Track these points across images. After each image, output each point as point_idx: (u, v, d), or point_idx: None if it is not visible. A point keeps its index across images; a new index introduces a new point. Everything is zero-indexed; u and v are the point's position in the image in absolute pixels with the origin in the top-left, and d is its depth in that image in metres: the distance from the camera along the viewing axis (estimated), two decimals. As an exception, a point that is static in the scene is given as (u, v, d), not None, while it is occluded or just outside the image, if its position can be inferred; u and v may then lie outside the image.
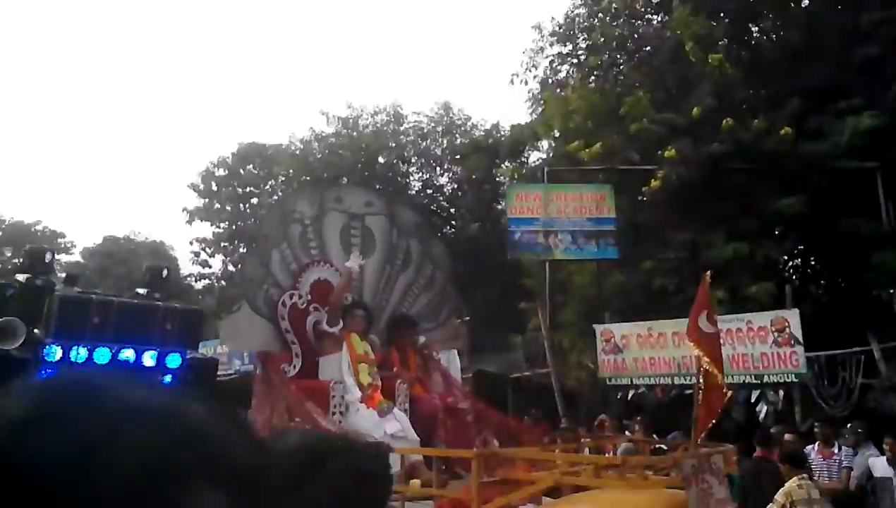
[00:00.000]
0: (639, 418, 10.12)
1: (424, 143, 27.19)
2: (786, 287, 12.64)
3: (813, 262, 20.78)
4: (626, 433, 9.16)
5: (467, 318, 14.01)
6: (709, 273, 5.31)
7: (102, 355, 6.10)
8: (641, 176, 16.43)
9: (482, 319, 23.69)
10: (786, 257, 18.28)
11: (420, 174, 27.58)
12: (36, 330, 6.03)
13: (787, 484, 6.62)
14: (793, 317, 11.35)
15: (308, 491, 1.03)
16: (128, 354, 6.21)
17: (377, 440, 5.01)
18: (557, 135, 19.07)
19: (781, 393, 11.13)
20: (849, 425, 8.65)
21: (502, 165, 23.60)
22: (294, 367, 5.91)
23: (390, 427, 5.40)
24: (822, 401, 10.93)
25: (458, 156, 26.10)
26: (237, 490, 0.58)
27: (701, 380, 4.97)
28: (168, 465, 0.55)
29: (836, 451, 8.11)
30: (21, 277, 6.33)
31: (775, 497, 6.48)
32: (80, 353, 6.03)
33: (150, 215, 77.22)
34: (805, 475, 6.81)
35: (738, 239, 15.07)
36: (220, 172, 30.64)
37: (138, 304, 6.63)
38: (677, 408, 12.86)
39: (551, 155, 20.07)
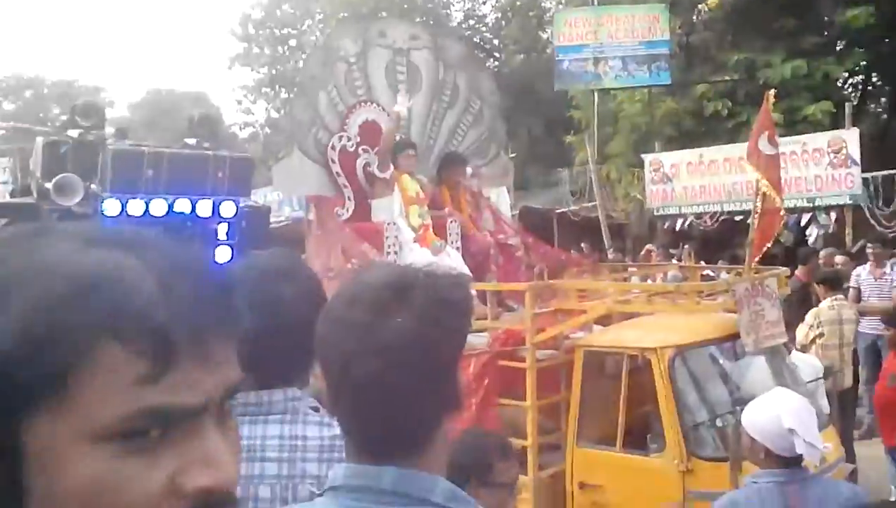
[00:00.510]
0: (686, 246, 10.15)
1: (464, -31, 25.88)
2: (845, 106, 12.10)
3: (875, 78, 19.78)
4: (674, 261, 9.21)
5: (513, 155, 13.87)
6: (772, 92, 5.10)
7: (159, 207, 6.22)
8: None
9: (527, 154, 23.48)
10: (846, 74, 17.41)
11: (461, 3, 26.46)
12: (92, 186, 6.15)
13: (821, 304, 6.72)
14: (851, 137, 10.95)
15: (394, 319, 1.07)
16: (183, 205, 6.30)
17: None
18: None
19: (833, 215, 10.97)
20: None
21: (548, -11, 22.43)
22: (347, 210, 5.98)
23: (445, 263, 5.50)
24: (876, 222, 10.74)
25: (500, -18, 24.85)
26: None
27: (758, 204, 4.89)
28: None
29: (887, 271, 8.08)
30: (73, 133, 6.36)
31: (806, 317, 6.57)
32: (137, 206, 6.15)
33: (191, 66, 76.54)
34: (840, 296, 6.88)
35: (798, 56, 14.34)
36: (257, 14, 29.86)
37: (189, 154, 6.66)
38: (724, 236, 12.85)
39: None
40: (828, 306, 6.69)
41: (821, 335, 6.46)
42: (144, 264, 0.62)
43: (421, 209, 5.86)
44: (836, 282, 7.02)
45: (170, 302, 0.60)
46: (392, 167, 5.89)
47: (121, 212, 5.97)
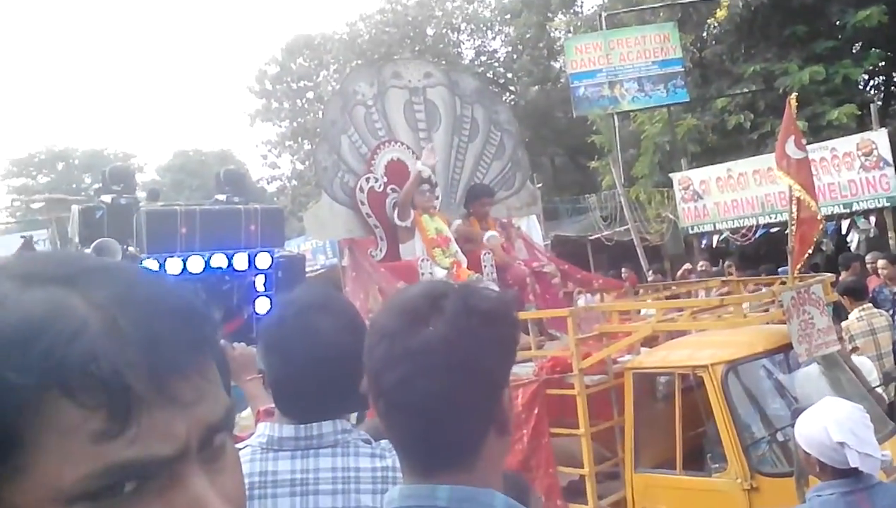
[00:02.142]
0: (727, 262, 9.98)
1: (471, 7, 26.25)
2: (870, 107, 11.94)
3: (897, 77, 19.57)
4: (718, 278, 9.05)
5: (539, 185, 13.87)
6: (794, 96, 5.04)
7: (196, 263, 6.29)
8: (705, 7, 15.52)
9: (553, 183, 23.50)
10: (867, 76, 17.23)
11: (471, 41, 26.82)
12: (130, 248, 6.23)
13: (849, 317, 6.46)
14: (880, 138, 10.77)
15: (425, 327, 1.05)
16: (220, 260, 6.37)
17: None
18: (611, -25, 18.06)
19: (873, 219, 10.75)
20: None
21: (555, 18, 22.63)
22: (381, 251, 5.99)
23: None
24: (918, 222, 10.52)
25: (507, 16, 25.13)
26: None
27: (794, 210, 4.81)
28: None
29: (931, 273, 7.85)
30: (107, 198, 6.49)
31: None
32: (174, 264, 6.22)
33: (215, 125, 78.20)
34: (867, 305, 6.61)
35: (813, 62, 14.24)
36: (273, 70, 30.47)
37: (221, 210, 6.75)
38: (762, 249, 12.66)
39: (606, 0, 19.07)
40: (856, 317, 6.46)
41: (855, 349, 6.24)
42: (89, 301, 0.54)
43: (446, 249, 5.85)
44: (860, 292, 6.75)
45: (122, 343, 0.53)
46: (412, 214, 5.90)
47: (160, 271, 6.03)
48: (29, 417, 0.50)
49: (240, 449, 1.66)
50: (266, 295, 6.57)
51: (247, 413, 3.14)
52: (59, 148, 37.94)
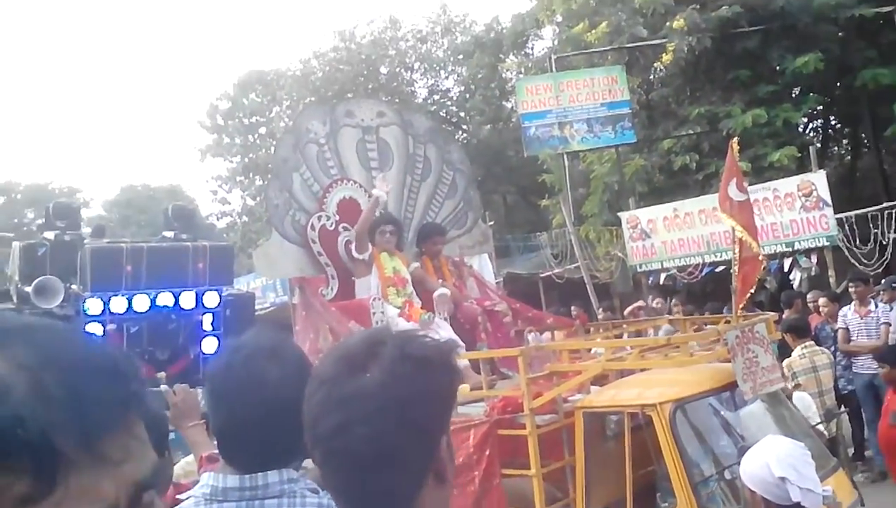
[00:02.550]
0: (674, 301, 10.18)
1: (425, 47, 26.59)
2: (809, 149, 12.40)
3: (834, 121, 20.38)
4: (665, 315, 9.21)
5: (491, 223, 14.00)
6: (736, 140, 5.19)
7: (141, 302, 6.16)
8: (651, 52, 16.00)
9: (505, 221, 23.73)
10: (806, 119, 17.92)
11: (424, 80, 27.13)
12: (73, 286, 6.09)
13: (792, 355, 6.63)
14: (819, 180, 11.17)
15: (362, 374, 1.05)
16: (166, 298, 6.26)
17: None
18: (560, 19, 18.50)
19: (814, 258, 11.08)
20: (883, 281, 8.63)
21: (507, 60, 23.06)
22: (332, 289, 5.94)
23: (436, 336, 5.45)
24: (856, 261, 10.88)
25: (460, 56, 25.53)
26: None
27: (736, 251, 4.92)
28: None
29: (872, 309, 8.10)
30: (50, 234, 6.34)
31: None
32: (119, 303, 6.09)
33: (163, 160, 77.19)
34: (810, 342, 6.79)
35: (755, 105, 14.77)
36: (224, 105, 30.31)
37: (168, 247, 6.64)
38: (709, 287, 12.93)
39: (556, 42, 19.52)
40: (798, 355, 6.62)
41: (798, 386, 6.38)
42: (13, 362, 0.54)
43: (400, 289, 5.84)
44: (802, 330, 6.93)
45: (48, 405, 0.52)
46: (370, 247, 5.89)
47: (103, 311, 5.91)
48: None
49: (183, 500, 1.62)
50: (214, 335, 6.47)
51: (191, 458, 3.05)
52: (1, 181, 36.98)
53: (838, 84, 17.08)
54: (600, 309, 11.06)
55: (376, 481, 1.05)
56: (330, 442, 1.05)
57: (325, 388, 1.07)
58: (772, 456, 2.73)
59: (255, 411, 1.58)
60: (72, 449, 0.52)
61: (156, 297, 6.20)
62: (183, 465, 3.54)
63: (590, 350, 5.71)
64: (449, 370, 1.14)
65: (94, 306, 5.87)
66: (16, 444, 0.50)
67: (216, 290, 6.51)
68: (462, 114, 26.29)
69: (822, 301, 8.75)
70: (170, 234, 7.10)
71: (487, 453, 4.38)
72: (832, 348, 7.90)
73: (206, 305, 6.44)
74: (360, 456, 1.03)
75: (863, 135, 18.93)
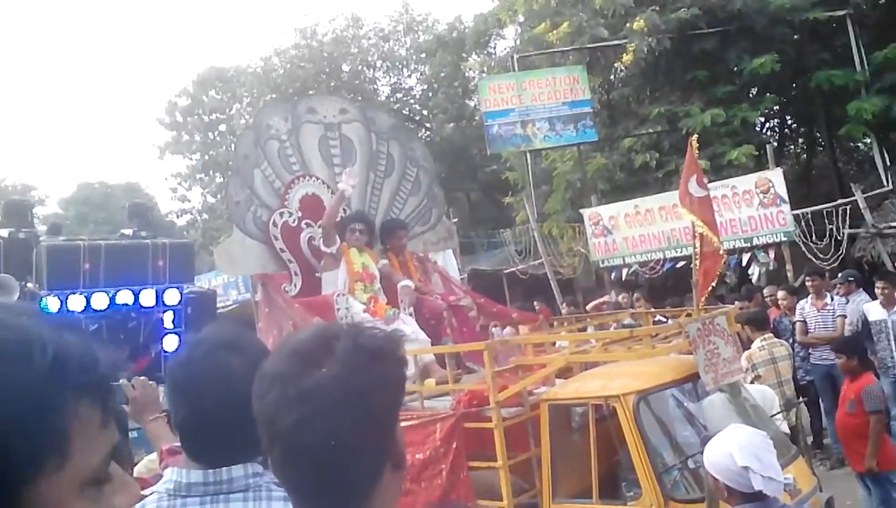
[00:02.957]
0: (637, 295, 10.29)
1: (387, 45, 26.50)
2: (766, 148, 12.64)
3: (790, 120, 20.81)
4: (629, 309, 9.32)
5: (455, 220, 14.02)
6: (695, 138, 5.26)
7: (100, 300, 6.06)
8: (612, 52, 16.17)
9: (469, 218, 23.78)
10: (763, 119, 18.27)
11: (387, 78, 27.04)
12: (29, 284, 5.96)
13: (752, 347, 6.77)
14: (776, 177, 11.40)
15: (318, 369, 1.06)
16: (125, 296, 6.16)
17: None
18: (522, 19, 18.59)
19: (772, 253, 11.31)
20: (839, 275, 8.83)
21: (470, 59, 23.10)
22: (295, 286, 5.89)
23: (402, 330, 5.45)
24: (812, 256, 11.13)
25: (423, 55, 25.50)
26: None
27: (697, 246, 5.00)
28: None
29: (828, 302, 8.28)
30: (3, 232, 6.21)
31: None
32: (77, 301, 5.98)
33: (121, 157, 75.76)
34: (768, 335, 6.96)
35: (714, 105, 15.02)
36: (184, 102, 29.87)
37: (127, 245, 6.54)
38: (670, 282, 13.12)
39: (518, 42, 19.61)
40: (758, 347, 6.76)
41: (758, 377, 6.50)
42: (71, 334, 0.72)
43: (367, 285, 5.82)
44: (761, 322, 7.07)
45: (99, 361, 0.71)
46: (338, 241, 5.86)
47: (61, 308, 5.79)
48: (70, 417, 0.66)
49: (146, 496, 1.58)
50: (175, 332, 6.39)
51: (154, 456, 3.00)
52: (-48, 179, 35.99)
53: (794, 85, 17.44)
54: (564, 304, 11.15)
55: (338, 473, 1.05)
56: (290, 439, 1.05)
57: (279, 385, 1.06)
58: (735, 446, 2.78)
59: (218, 404, 1.56)
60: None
61: (115, 295, 6.10)
62: (146, 463, 3.48)
63: (554, 343, 5.75)
64: (400, 359, 1.16)
65: (51, 304, 5.76)
66: (96, 384, 0.71)
67: (177, 288, 6.44)
68: (425, 112, 26.28)
69: (781, 294, 8.94)
70: (129, 232, 6.99)
71: (454, 446, 4.39)
72: (790, 340, 8.07)
73: (166, 303, 6.36)
74: (322, 450, 1.03)
75: (818, 134, 19.36)
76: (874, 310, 7.66)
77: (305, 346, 1.10)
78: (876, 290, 7.77)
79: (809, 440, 8.02)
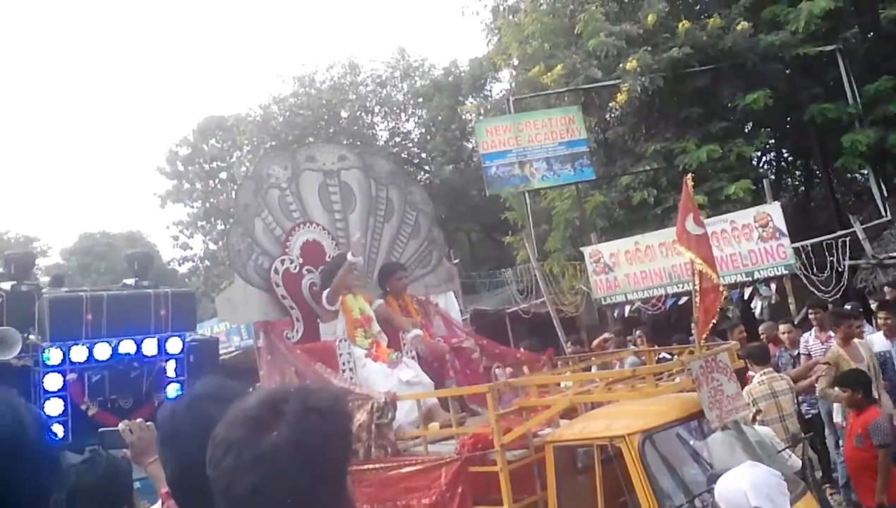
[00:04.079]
0: (638, 332, 10.27)
1: (385, 91, 26.84)
2: (763, 182, 12.73)
3: (786, 154, 20.96)
4: (631, 346, 9.28)
5: (456, 261, 14.05)
6: (690, 176, 5.31)
7: (102, 350, 6.06)
8: (606, 92, 16.37)
9: (470, 259, 23.82)
10: (759, 153, 18.41)
11: (385, 123, 27.34)
12: (31, 336, 5.97)
13: (752, 382, 6.73)
14: (774, 211, 11.46)
15: (270, 433, 1.08)
16: (128, 346, 6.17)
17: (388, 389, 5.07)
18: (517, 63, 18.86)
19: (773, 286, 11.31)
20: (847, 305, 8.80)
21: (466, 102, 23.39)
22: (297, 332, 5.91)
23: (405, 374, 5.44)
24: (814, 288, 11.12)
25: (420, 100, 25.82)
26: None
27: (696, 283, 5.02)
28: None
29: (832, 335, 8.24)
30: (6, 285, 6.24)
31: None
32: (79, 352, 5.99)
33: (122, 206, 76.21)
34: (769, 369, 6.90)
35: (709, 141, 15.15)
36: (184, 151, 30.17)
37: (129, 295, 6.56)
38: (673, 318, 13.09)
39: (513, 84, 19.87)
40: (758, 381, 6.70)
41: (759, 412, 6.43)
42: None
43: (367, 330, 5.83)
44: (761, 357, 7.00)
45: None
46: (339, 300, 5.87)
47: (63, 360, 5.80)
48: None
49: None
50: (178, 381, 6.38)
51: (157, 505, 2.99)
52: (-46, 233, 36.16)
53: (788, 119, 17.61)
54: (569, 343, 11.11)
55: None
56: (247, 504, 1.06)
57: (234, 451, 1.09)
58: (749, 485, 2.77)
59: (202, 454, 1.57)
60: None
61: (117, 345, 6.11)
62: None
63: (558, 384, 5.73)
64: (348, 416, 1.21)
65: (53, 356, 5.77)
66: None
67: (179, 336, 6.44)
68: (423, 155, 26.51)
69: (784, 327, 8.84)
70: (130, 282, 7.02)
71: (460, 490, 4.36)
72: (792, 373, 8.01)
73: (169, 351, 6.36)
74: None
75: (814, 166, 19.47)
76: (878, 341, 7.61)
77: (256, 411, 1.12)
78: (878, 321, 7.74)
79: (818, 474, 7.93)
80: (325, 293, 5.85)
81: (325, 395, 1.16)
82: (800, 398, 7.66)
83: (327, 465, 1.10)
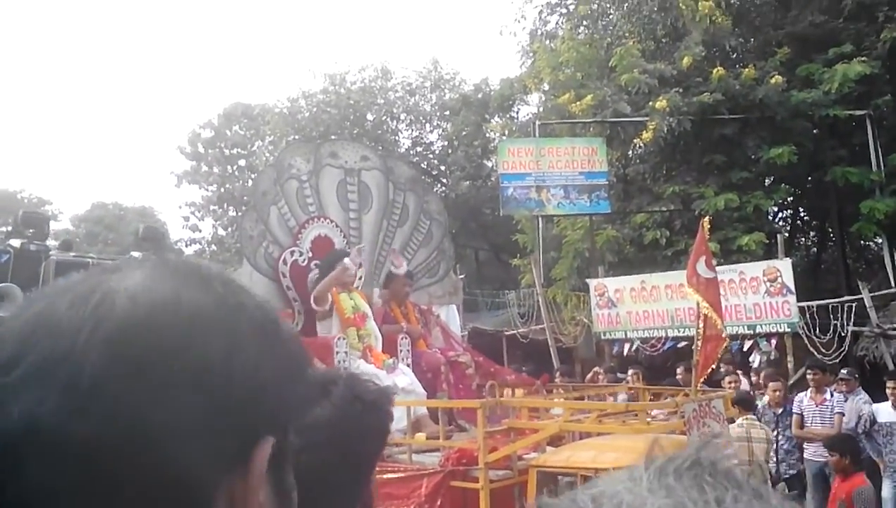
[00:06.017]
0: (631, 372, 10.24)
1: (413, 99, 26.94)
2: (777, 237, 12.71)
3: (802, 213, 20.92)
4: (625, 382, 9.25)
5: (461, 276, 14.04)
6: (707, 219, 5.32)
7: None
8: (632, 128, 16.40)
9: (475, 276, 23.81)
10: (776, 208, 18.38)
11: (409, 131, 27.41)
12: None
13: (732, 425, 6.85)
14: (784, 267, 11.43)
15: (314, 412, 1.11)
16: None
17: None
18: (547, 87, 18.93)
19: (774, 342, 11.26)
20: (844, 371, 8.76)
21: (492, 120, 23.45)
22: (297, 324, 5.92)
23: (400, 380, 5.44)
24: (815, 349, 11.07)
25: (447, 112, 25.90)
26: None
27: (701, 326, 5.01)
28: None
29: (827, 397, 8.20)
30: (15, 243, 6.28)
31: None
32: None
33: (137, 180, 76.57)
34: (751, 416, 7.07)
35: (728, 190, 15.14)
36: (207, 134, 30.33)
37: (136, 266, 6.58)
38: (671, 361, 13.04)
39: (541, 109, 19.94)
40: (738, 424, 6.81)
41: None
42: None
43: (361, 330, 5.82)
44: (748, 404, 7.23)
45: None
46: (328, 300, 5.86)
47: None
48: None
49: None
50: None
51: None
52: (-29, 186, 36.37)
53: (809, 177, 17.60)
54: (557, 373, 11.06)
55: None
56: None
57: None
58: None
59: None
60: None
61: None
62: None
63: (548, 409, 5.72)
64: (389, 414, 1.25)
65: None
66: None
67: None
68: (443, 167, 26.55)
69: (773, 385, 8.74)
70: (138, 255, 7.04)
71: (438, 503, 4.34)
72: (774, 433, 7.95)
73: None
74: (301, 483, 1.06)
75: (829, 228, 19.44)
76: (884, 412, 7.58)
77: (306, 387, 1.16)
78: (887, 391, 7.71)
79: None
80: (313, 294, 5.85)
81: (372, 388, 1.21)
82: (779, 456, 7.67)
83: (359, 454, 1.15)
